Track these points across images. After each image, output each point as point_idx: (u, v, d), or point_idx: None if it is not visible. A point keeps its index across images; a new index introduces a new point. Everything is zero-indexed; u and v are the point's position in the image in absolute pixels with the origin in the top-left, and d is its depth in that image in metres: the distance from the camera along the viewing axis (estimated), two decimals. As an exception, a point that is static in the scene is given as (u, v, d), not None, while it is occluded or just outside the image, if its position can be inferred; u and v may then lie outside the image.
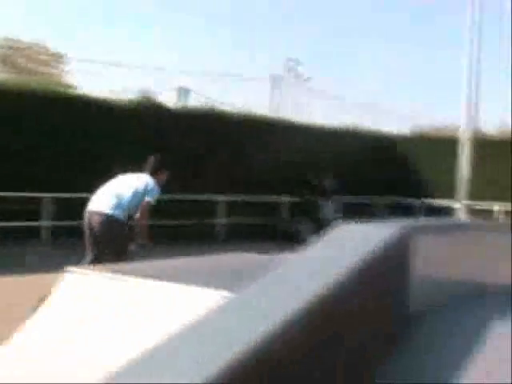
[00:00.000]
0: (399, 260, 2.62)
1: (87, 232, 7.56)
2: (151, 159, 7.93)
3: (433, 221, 4.97)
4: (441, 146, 21.57)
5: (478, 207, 19.13)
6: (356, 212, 15.17)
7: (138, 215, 7.55)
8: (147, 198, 7.50)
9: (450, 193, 17.83)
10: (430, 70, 68.46)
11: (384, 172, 21.36)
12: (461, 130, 16.89)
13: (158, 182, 7.71)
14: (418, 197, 21.07)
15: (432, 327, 2.64)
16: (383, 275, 2.49)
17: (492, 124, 33.77)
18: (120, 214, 7.45)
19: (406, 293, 2.61)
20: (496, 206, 19.62)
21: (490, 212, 19.52)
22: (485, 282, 3.45)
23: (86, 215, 7.58)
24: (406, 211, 18.70)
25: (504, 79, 59.18)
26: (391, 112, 44.90)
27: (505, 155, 20.39)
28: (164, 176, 7.87)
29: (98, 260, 6.87)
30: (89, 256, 7.40)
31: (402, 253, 2.62)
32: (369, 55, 68.82)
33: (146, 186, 7.55)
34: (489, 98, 50.56)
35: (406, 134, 23.70)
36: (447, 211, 18.10)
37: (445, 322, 2.69)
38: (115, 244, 7.41)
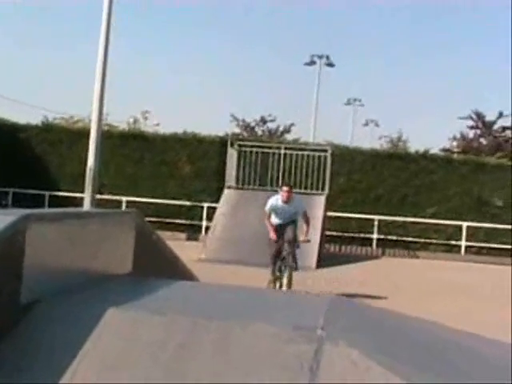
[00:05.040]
0: (14, 250, 2.61)
1: None
2: None
3: (52, 210, 5.01)
4: (72, 138, 21.73)
5: (107, 199, 19.69)
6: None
7: None
8: None
9: (80, 185, 18.01)
10: (64, 63, 67.99)
11: (10, 161, 20.92)
12: (91, 123, 17.13)
13: None
14: (46, 188, 20.95)
15: (44, 315, 2.68)
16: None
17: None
18: None
19: (20, 282, 2.62)
20: (124, 198, 20.52)
21: (119, 203, 20.28)
22: (106, 267, 3.60)
23: None
24: (32, 202, 18.39)
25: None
26: (20, 102, 43.54)
27: (133, 149, 21.55)
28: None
29: None
30: None
31: (17, 243, 2.62)
32: None
33: None
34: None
35: (36, 125, 23.34)
36: (76, 203, 18.27)
37: (59, 309, 2.75)
38: None
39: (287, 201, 10.64)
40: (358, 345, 2.45)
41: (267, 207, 10.77)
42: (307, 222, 10.71)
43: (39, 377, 2.47)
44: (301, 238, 10.59)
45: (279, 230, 10.61)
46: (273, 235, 10.50)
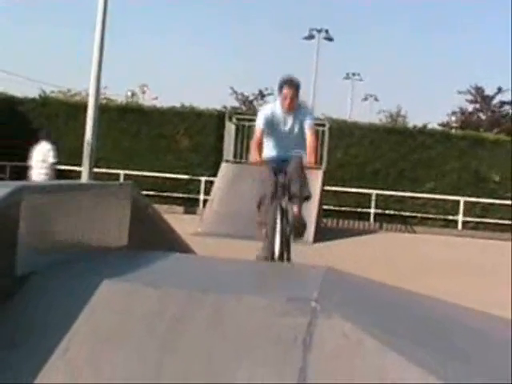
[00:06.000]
0: (8, 222, 2.60)
1: None
2: None
3: (47, 182, 4.99)
4: (69, 112, 21.63)
5: (104, 172, 19.64)
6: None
7: None
8: None
9: (77, 158, 17.95)
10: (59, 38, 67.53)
11: (8, 134, 20.81)
12: (89, 96, 17.05)
13: None
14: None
15: (39, 287, 2.68)
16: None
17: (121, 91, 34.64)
18: None
19: (14, 254, 2.61)
20: (121, 171, 20.48)
21: (116, 176, 20.25)
22: (102, 240, 3.60)
23: None
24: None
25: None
26: (17, 74, 43.34)
27: (131, 122, 21.44)
28: None
29: None
30: None
31: (11, 215, 2.61)
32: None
33: None
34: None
35: (34, 98, 23.21)
36: (73, 177, 18.22)
37: (54, 282, 2.75)
38: None
39: (290, 108, 6.76)
40: (352, 318, 2.45)
41: (261, 119, 6.86)
42: (313, 136, 6.96)
43: (33, 350, 2.47)
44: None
45: (276, 165, 6.98)
46: (256, 156, 6.82)
